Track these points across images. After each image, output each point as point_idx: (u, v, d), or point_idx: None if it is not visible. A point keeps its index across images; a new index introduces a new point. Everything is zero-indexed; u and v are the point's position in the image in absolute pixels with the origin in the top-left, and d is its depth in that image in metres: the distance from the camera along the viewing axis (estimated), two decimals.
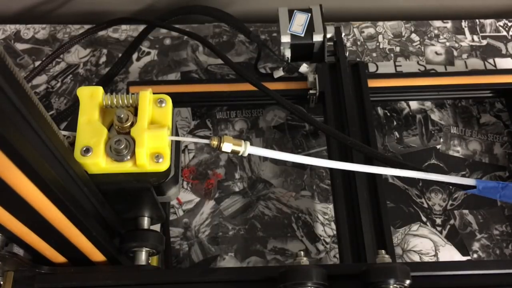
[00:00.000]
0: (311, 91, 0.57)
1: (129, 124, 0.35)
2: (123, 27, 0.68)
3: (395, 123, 0.61)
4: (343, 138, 0.46)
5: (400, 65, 0.65)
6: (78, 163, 0.33)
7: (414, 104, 0.62)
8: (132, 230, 0.41)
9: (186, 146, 0.60)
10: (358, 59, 0.65)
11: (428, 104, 0.62)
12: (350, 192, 0.50)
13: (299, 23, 0.57)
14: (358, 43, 0.67)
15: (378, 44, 0.67)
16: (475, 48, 0.67)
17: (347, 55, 0.64)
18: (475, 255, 0.53)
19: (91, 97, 0.35)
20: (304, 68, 0.58)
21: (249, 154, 0.38)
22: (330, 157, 0.54)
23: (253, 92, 0.52)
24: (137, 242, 0.40)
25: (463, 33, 0.68)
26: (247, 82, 0.51)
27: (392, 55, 0.66)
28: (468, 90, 0.59)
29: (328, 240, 0.54)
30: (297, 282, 0.36)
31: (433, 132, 0.60)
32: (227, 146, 0.36)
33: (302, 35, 0.56)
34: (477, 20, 0.69)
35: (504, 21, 0.69)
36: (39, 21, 0.70)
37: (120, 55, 0.64)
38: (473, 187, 0.45)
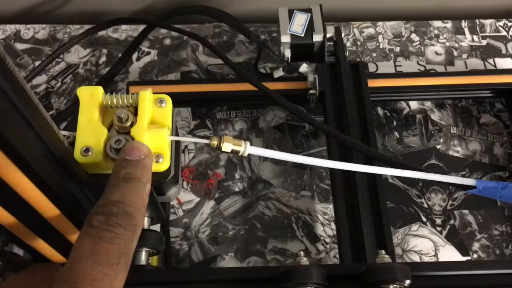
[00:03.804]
0: (311, 91, 0.57)
1: (129, 124, 0.35)
2: (123, 27, 0.68)
3: (395, 123, 0.61)
4: (343, 138, 0.46)
5: (400, 65, 0.65)
6: (78, 163, 0.33)
7: (414, 104, 0.62)
8: None
9: (186, 146, 0.60)
10: (358, 59, 0.65)
11: (428, 104, 0.62)
12: (350, 192, 0.50)
13: (299, 23, 0.57)
14: (358, 43, 0.67)
15: (378, 44, 0.67)
16: (475, 48, 0.67)
17: (347, 55, 0.64)
18: (475, 255, 0.53)
19: (91, 97, 0.35)
20: (304, 68, 0.58)
21: (249, 154, 0.38)
22: (330, 157, 0.54)
23: (253, 92, 0.52)
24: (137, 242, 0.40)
25: (463, 33, 0.68)
26: (247, 82, 0.51)
27: (392, 55, 0.66)
28: (468, 90, 0.59)
29: (328, 240, 0.54)
30: (297, 282, 0.36)
31: (433, 132, 0.61)
32: (227, 146, 0.36)
33: (302, 35, 0.56)
34: (477, 20, 0.69)
35: (504, 21, 0.69)
36: (39, 21, 0.70)
37: (120, 55, 0.64)
38: (473, 187, 0.45)
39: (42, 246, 0.37)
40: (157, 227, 0.49)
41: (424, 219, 0.55)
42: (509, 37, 0.67)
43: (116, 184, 0.30)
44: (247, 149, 0.37)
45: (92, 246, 0.26)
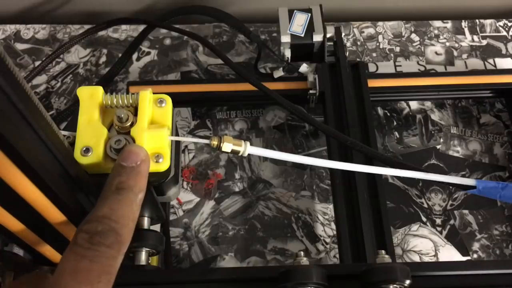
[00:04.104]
0: (311, 91, 0.57)
1: (129, 124, 0.35)
2: (123, 27, 0.68)
3: (395, 123, 0.61)
4: (343, 138, 0.46)
5: (400, 65, 0.65)
6: (78, 163, 0.33)
7: (414, 104, 0.62)
8: None
9: (186, 146, 0.60)
10: (358, 59, 0.65)
11: (428, 104, 0.62)
12: (350, 192, 0.50)
13: (299, 23, 0.57)
14: (358, 43, 0.67)
15: (378, 44, 0.67)
16: (475, 48, 0.67)
17: (347, 55, 0.64)
18: (475, 255, 0.53)
19: (91, 97, 0.35)
20: (304, 68, 0.58)
21: (249, 154, 0.38)
22: (330, 157, 0.54)
23: (253, 92, 0.52)
24: (137, 242, 0.40)
25: (463, 33, 0.68)
26: (247, 82, 0.51)
27: (392, 55, 0.66)
28: (468, 90, 0.59)
29: (328, 240, 0.54)
30: (297, 282, 0.36)
31: (433, 132, 0.61)
32: (227, 146, 0.36)
33: (302, 35, 0.56)
34: (477, 20, 0.69)
35: (504, 21, 0.69)
36: (39, 21, 0.70)
37: (120, 55, 0.64)
38: (473, 187, 0.45)
39: (42, 246, 0.37)
40: (157, 227, 0.49)
41: (424, 219, 0.55)
42: (509, 37, 0.67)
43: (106, 196, 0.30)
44: (247, 149, 0.37)
45: (74, 263, 0.27)
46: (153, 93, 0.36)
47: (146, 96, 0.35)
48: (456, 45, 0.67)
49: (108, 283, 0.27)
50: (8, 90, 0.22)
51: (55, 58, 0.63)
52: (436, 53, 0.66)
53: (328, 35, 0.57)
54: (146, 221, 0.41)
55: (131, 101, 0.36)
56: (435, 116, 0.62)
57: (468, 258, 0.53)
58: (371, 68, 0.65)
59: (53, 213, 0.32)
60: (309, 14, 0.57)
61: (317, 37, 0.56)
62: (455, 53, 0.66)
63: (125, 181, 0.30)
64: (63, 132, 0.33)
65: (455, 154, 0.59)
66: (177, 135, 0.40)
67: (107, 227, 0.28)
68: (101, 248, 0.27)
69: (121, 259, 0.28)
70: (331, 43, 0.58)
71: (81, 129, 0.34)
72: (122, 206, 0.29)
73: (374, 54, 0.66)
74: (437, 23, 0.69)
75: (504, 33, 0.68)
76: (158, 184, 0.36)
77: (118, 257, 0.28)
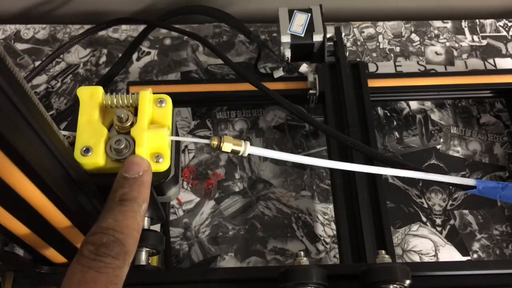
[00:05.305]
0: (311, 91, 0.57)
1: (129, 124, 0.35)
2: (123, 27, 0.68)
3: (395, 123, 0.61)
4: (343, 138, 0.46)
5: (400, 65, 0.65)
6: (78, 163, 0.33)
7: (414, 104, 0.62)
8: None
9: (186, 146, 0.60)
10: (358, 59, 0.65)
11: (428, 104, 0.62)
12: (350, 192, 0.50)
13: (299, 23, 0.57)
14: (358, 43, 0.67)
15: (378, 44, 0.67)
16: (475, 48, 0.67)
17: (347, 55, 0.64)
18: (475, 255, 0.53)
19: (91, 97, 0.35)
20: (304, 68, 0.58)
21: (249, 154, 0.38)
22: (330, 157, 0.54)
23: (253, 92, 0.52)
24: None
25: (463, 33, 0.68)
26: (247, 82, 0.51)
27: (392, 55, 0.66)
28: (468, 90, 0.59)
29: (328, 240, 0.54)
30: (297, 282, 0.36)
31: (433, 132, 0.61)
32: (227, 146, 0.37)
33: (302, 35, 0.56)
34: (477, 20, 0.69)
35: (504, 21, 0.69)
36: (39, 21, 0.70)
37: (120, 55, 0.64)
38: (473, 187, 0.45)
39: (42, 246, 0.37)
40: (157, 227, 0.49)
41: (424, 219, 0.55)
42: (509, 37, 0.67)
43: (110, 207, 0.30)
44: (247, 149, 0.37)
45: (80, 275, 0.27)
46: (153, 93, 0.36)
47: (146, 96, 0.35)
48: (456, 45, 0.67)
49: None
50: (8, 90, 0.22)
51: (55, 58, 0.63)
52: (436, 53, 0.66)
53: (328, 35, 0.57)
54: (146, 221, 0.41)
55: (131, 101, 0.36)
56: (435, 116, 0.62)
57: (468, 258, 0.53)
58: (371, 68, 0.65)
59: (53, 214, 0.32)
60: (309, 14, 0.57)
61: (317, 37, 0.56)
62: (455, 53, 0.66)
63: (128, 192, 0.31)
64: (63, 132, 0.33)
65: (455, 154, 0.59)
66: (177, 135, 0.40)
67: (112, 238, 0.28)
68: (107, 259, 0.28)
69: (127, 269, 0.29)
70: (331, 43, 0.58)
71: (81, 129, 0.34)
72: (127, 217, 0.30)
73: (374, 54, 0.66)
74: (437, 23, 0.69)
75: (504, 33, 0.68)
76: (158, 184, 0.36)
77: (124, 267, 0.28)
